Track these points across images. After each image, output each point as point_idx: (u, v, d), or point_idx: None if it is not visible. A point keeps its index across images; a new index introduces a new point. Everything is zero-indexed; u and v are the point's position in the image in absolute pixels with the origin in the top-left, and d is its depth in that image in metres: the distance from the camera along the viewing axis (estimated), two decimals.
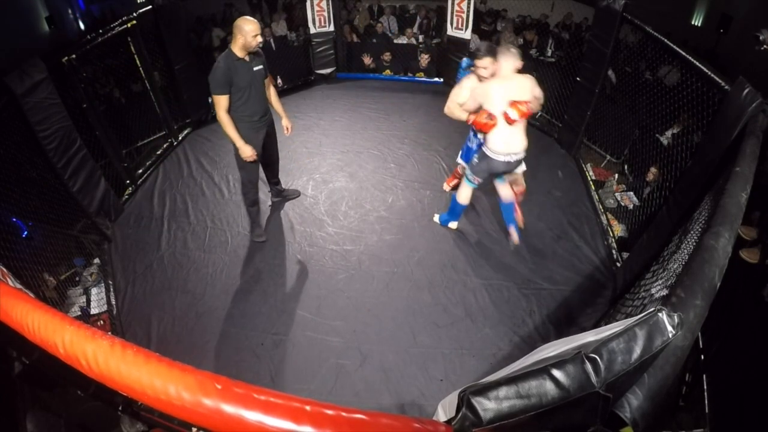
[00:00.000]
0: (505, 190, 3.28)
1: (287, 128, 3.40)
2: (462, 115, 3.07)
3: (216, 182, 4.31)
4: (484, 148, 3.04)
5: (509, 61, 2.82)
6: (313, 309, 3.10)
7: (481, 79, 2.96)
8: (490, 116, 2.85)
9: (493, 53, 2.87)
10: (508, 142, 2.93)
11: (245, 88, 2.96)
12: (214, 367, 2.79)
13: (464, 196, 3.36)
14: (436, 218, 3.75)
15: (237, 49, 2.87)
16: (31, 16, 7.37)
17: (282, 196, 4.02)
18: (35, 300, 1.20)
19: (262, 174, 3.66)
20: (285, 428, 0.84)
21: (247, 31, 2.81)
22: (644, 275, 2.52)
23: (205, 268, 3.43)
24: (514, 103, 2.79)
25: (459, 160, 3.67)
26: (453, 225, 3.66)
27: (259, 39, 2.87)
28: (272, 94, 3.30)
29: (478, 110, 2.94)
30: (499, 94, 2.83)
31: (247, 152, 3.07)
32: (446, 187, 4.11)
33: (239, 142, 3.04)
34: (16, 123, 2.97)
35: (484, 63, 2.89)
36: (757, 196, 1.83)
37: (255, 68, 2.97)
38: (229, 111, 2.97)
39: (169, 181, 4.38)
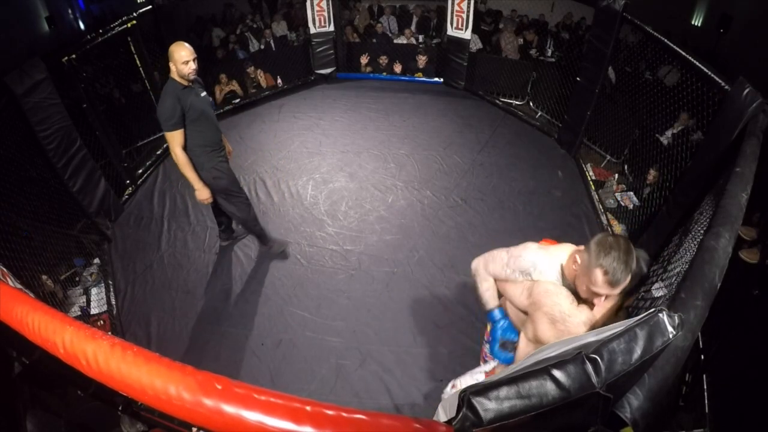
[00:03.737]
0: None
1: (229, 152, 3.09)
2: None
3: None
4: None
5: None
6: (313, 309, 3.10)
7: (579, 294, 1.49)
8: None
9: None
10: None
11: (200, 117, 2.69)
12: (214, 367, 2.78)
13: None
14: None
15: (176, 77, 2.60)
16: (31, 16, 7.36)
17: (233, 238, 3.61)
18: (35, 300, 1.20)
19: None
20: (285, 428, 0.84)
21: (177, 59, 2.53)
22: None
23: (205, 268, 3.43)
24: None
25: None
26: None
27: (192, 66, 2.57)
28: None
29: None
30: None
31: (204, 195, 2.83)
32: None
33: (198, 184, 2.79)
34: (16, 123, 2.97)
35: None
36: (757, 196, 1.83)
37: (202, 94, 2.73)
38: (185, 148, 2.71)
39: (169, 181, 4.37)
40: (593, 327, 1.43)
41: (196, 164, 2.78)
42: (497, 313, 1.74)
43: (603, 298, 1.38)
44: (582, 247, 1.45)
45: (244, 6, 7.75)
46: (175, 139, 2.64)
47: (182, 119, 2.62)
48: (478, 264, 1.78)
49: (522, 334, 1.64)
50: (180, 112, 2.59)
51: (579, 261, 1.42)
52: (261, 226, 3.35)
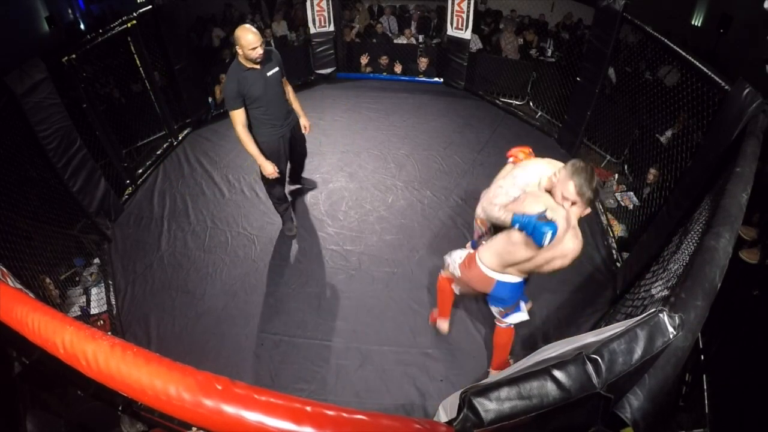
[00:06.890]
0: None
1: (305, 127, 3.27)
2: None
3: (216, 182, 4.31)
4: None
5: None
6: (313, 309, 3.10)
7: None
8: None
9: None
10: None
11: (261, 97, 2.83)
12: (214, 367, 2.78)
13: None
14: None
15: (242, 59, 2.72)
16: (31, 16, 7.36)
17: (300, 183, 4.08)
18: (35, 300, 1.20)
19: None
20: (286, 429, 0.84)
21: (244, 44, 2.62)
22: (644, 275, 2.52)
23: (205, 268, 3.43)
24: None
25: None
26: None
27: (259, 52, 2.65)
28: (289, 92, 3.14)
29: None
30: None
31: (268, 169, 2.97)
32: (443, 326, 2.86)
33: (260, 159, 2.94)
34: (16, 123, 2.97)
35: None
36: (757, 196, 1.83)
37: (268, 73, 2.82)
38: (249, 126, 2.88)
39: (169, 181, 4.38)
40: (567, 222, 1.90)
41: (254, 136, 2.95)
42: (517, 216, 2.02)
43: (570, 202, 1.91)
44: (560, 166, 2.02)
45: (244, 6, 7.74)
46: (235, 118, 2.83)
47: (242, 100, 2.79)
48: (483, 206, 2.19)
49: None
50: (241, 93, 2.75)
51: (558, 175, 1.97)
52: (284, 206, 3.55)
